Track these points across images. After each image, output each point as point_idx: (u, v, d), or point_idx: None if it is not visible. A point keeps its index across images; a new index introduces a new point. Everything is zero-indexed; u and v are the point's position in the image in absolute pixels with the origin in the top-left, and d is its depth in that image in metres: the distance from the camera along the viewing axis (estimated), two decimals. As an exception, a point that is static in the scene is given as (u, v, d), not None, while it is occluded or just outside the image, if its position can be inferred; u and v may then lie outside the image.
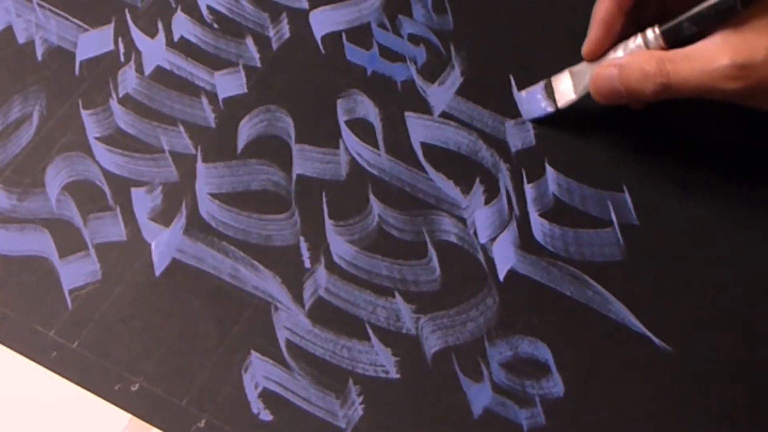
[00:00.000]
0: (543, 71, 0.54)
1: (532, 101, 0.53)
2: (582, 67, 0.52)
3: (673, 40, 0.49)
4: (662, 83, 0.48)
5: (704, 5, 0.48)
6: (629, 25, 0.51)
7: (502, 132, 0.53)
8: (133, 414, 0.45)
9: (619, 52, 0.51)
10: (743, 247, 0.50)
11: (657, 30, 0.49)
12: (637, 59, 0.49)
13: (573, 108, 0.52)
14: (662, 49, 0.49)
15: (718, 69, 0.47)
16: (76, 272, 0.48)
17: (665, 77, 0.48)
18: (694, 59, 0.47)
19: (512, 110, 0.54)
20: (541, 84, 0.53)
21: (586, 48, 0.52)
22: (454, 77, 0.55)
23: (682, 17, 0.48)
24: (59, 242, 0.49)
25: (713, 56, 0.47)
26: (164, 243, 0.49)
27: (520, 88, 0.54)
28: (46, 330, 0.47)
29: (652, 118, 0.53)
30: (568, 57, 0.53)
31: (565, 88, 0.53)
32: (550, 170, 0.52)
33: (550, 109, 0.53)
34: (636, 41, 0.50)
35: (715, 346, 0.48)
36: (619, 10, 0.51)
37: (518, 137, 0.53)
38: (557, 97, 0.53)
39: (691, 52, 0.48)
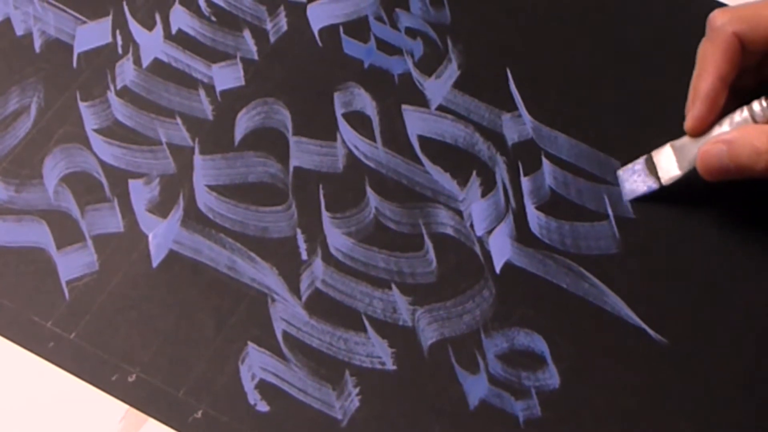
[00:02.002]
0: (542, 64, 0.54)
1: (634, 178, 0.52)
2: (685, 141, 0.51)
3: None
4: None
5: None
6: (731, 98, 0.50)
7: (498, 125, 0.53)
8: (130, 404, 0.45)
9: (724, 127, 0.49)
10: (739, 238, 0.50)
11: (764, 102, 0.48)
12: (747, 135, 0.47)
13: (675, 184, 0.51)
14: None
15: None
16: (74, 263, 0.49)
17: None
18: None
19: (509, 103, 0.54)
20: (641, 160, 0.52)
21: (690, 124, 0.50)
22: (451, 70, 0.55)
23: None
24: (57, 233, 0.49)
25: None
26: (161, 234, 0.49)
27: (518, 85, 0.54)
28: (43, 321, 0.47)
29: (648, 110, 0.54)
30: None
31: (669, 164, 0.51)
32: (546, 163, 0.52)
33: (655, 186, 0.51)
34: (742, 114, 0.48)
35: (711, 338, 0.48)
36: (723, 85, 0.49)
37: (515, 130, 0.53)
38: (660, 173, 0.51)
39: None
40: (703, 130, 0.50)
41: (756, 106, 0.48)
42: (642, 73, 0.55)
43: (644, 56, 0.56)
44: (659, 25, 0.57)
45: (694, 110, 0.50)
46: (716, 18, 0.49)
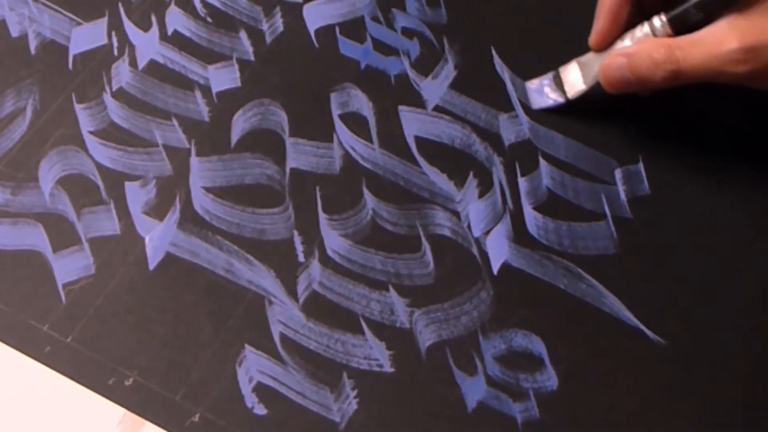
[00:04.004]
0: (538, 63, 0.54)
1: (541, 92, 0.54)
2: (590, 57, 0.53)
3: (680, 26, 0.49)
4: (672, 70, 0.48)
5: None
6: (634, 14, 0.51)
7: (495, 125, 0.53)
8: (127, 408, 0.45)
9: (626, 41, 0.51)
10: (737, 239, 0.50)
11: (663, 17, 0.50)
12: (646, 47, 0.49)
13: (581, 98, 0.53)
14: (669, 36, 0.49)
15: (726, 53, 0.47)
16: (70, 266, 0.48)
17: (674, 64, 0.48)
18: (702, 44, 0.48)
19: (506, 104, 0.54)
20: (550, 75, 0.54)
21: (593, 38, 0.52)
22: (448, 71, 0.55)
23: (688, 4, 0.49)
24: (53, 236, 0.49)
25: (721, 41, 0.47)
26: (158, 237, 0.49)
27: (515, 85, 0.54)
28: (39, 324, 0.47)
29: (646, 110, 0.53)
30: (572, 48, 0.53)
31: (574, 78, 0.53)
32: (543, 163, 0.52)
33: (561, 100, 0.53)
34: (643, 29, 0.50)
35: (709, 339, 0.48)
36: (625, 0, 0.51)
37: (511, 130, 0.53)
38: (566, 87, 0.53)
39: (699, 38, 0.48)
40: (606, 44, 0.52)
41: (656, 20, 0.50)
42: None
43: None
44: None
45: (597, 25, 0.52)
46: None
